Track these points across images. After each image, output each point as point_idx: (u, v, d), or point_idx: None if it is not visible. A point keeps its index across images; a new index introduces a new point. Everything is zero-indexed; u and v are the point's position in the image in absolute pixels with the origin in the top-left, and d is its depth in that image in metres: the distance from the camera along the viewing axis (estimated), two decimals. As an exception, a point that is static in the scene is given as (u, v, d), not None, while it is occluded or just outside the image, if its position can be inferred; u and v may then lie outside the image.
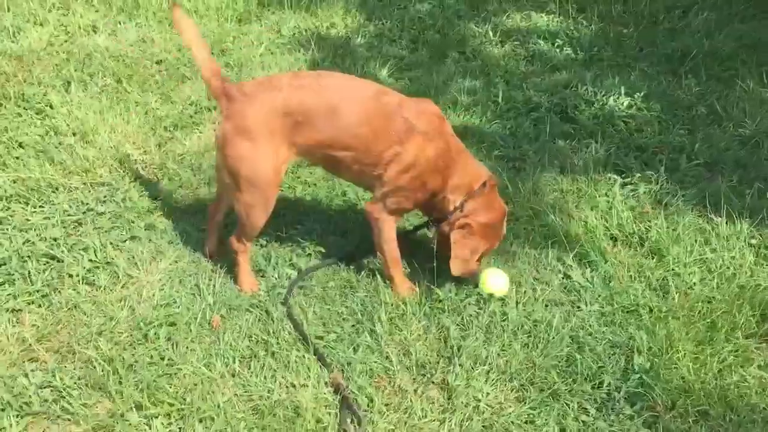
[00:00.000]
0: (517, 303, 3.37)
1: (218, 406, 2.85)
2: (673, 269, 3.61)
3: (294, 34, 6.23)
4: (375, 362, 3.08)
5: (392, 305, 3.33)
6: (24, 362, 3.02)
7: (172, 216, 3.95)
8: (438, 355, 3.14)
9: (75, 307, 3.31)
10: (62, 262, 3.54)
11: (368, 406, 2.90)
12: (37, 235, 3.70)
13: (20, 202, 3.95)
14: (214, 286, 3.46)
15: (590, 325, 3.28)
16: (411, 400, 2.93)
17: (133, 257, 3.63)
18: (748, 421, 2.84)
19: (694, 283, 3.52)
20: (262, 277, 3.55)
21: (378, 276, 3.49)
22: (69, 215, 3.89)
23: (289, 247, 3.74)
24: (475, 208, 3.29)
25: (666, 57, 5.83)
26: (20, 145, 4.44)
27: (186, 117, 4.86)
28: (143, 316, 3.26)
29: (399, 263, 3.40)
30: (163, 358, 3.07)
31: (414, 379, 3.05)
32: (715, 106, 5.06)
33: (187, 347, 3.13)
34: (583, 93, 5.24)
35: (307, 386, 2.97)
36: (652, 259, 3.70)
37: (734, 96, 5.19)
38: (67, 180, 4.16)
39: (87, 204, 3.99)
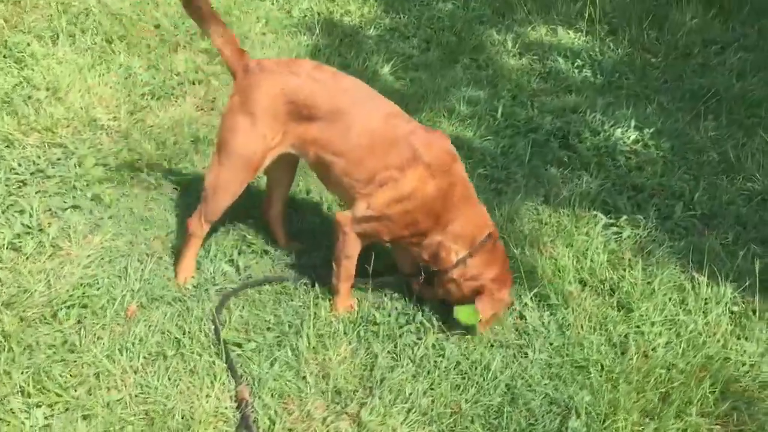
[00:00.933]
0: (459, 338, 3.09)
1: (107, 405, 2.63)
2: (637, 326, 3.30)
3: (305, 16, 5.97)
4: (289, 381, 2.84)
5: (324, 320, 3.07)
6: None
7: (122, 190, 3.74)
8: (359, 384, 2.89)
9: (-9, 272, 3.10)
10: (-8, 222, 3.33)
11: (269, 429, 2.64)
12: (-26, 190, 3.51)
13: (-31, 153, 3.76)
14: (142, 271, 3.24)
15: (531, 376, 3.01)
16: (315, 430, 2.67)
17: (68, 227, 3.42)
18: None
19: (658, 346, 3.21)
20: (197, 269, 3.30)
21: (317, 286, 3.24)
22: (15, 173, 3.72)
23: (233, 241, 3.49)
24: (480, 264, 3.06)
25: (690, 93, 5.47)
26: (-12, 93, 4.25)
27: (167, 87, 4.65)
28: (58, 293, 3.04)
29: (350, 280, 3.19)
30: (65, 343, 2.87)
31: (327, 406, 2.81)
32: (728, 153, 4.70)
33: (95, 334, 2.92)
34: (591, 120, 4.91)
35: (210, 397, 2.73)
36: (619, 311, 3.39)
37: (752, 146, 4.81)
38: (25, 136, 3.98)
39: (37, 164, 3.80)
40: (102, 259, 3.30)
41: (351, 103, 2.97)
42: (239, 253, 3.45)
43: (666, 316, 3.38)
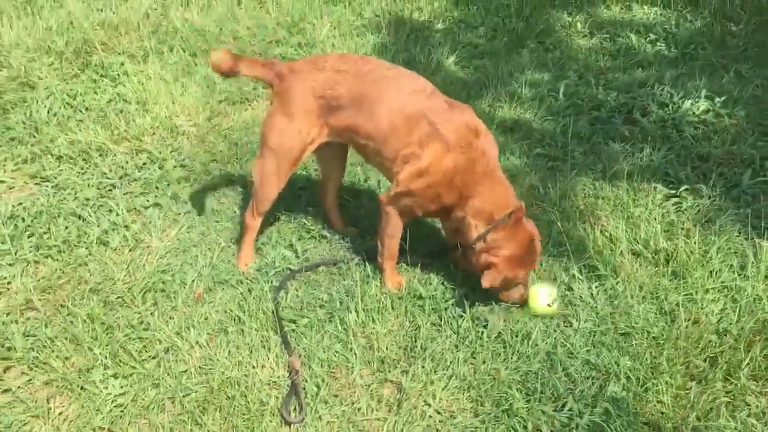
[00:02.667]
0: (503, 310, 3.20)
1: (175, 376, 2.94)
2: (690, 294, 3.26)
3: (376, 16, 6.20)
4: (337, 352, 3.05)
5: (373, 297, 3.26)
6: (23, 310, 3.26)
7: (197, 187, 4.09)
8: (403, 354, 3.05)
9: (83, 264, 3.52)
10: (85, 221, 3.76)
11: (316, 394, 2.86)
12: (72, 193, 3.97)
13: (69, 162, 4.25)
14: (211, 258, 3.55)
15: (572, 344, 3.04)
16: (359, 395, 2.86)
17: (150, 223, 3.80)
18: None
19: (711, 312, 3.16)
20: (258, 253, 3.59)
21: (368, 265, 3.44)
22: (107, 178, 4.15)
23: (293, 228, 3.75)
24: (497, 241, 3.06)
25: (773, 59, 5.23)
26: (87, 109, 4.76)
27: (243, 93, 5.00)
28: (137, 280, 3.40)
29: (394, 258, 3.34)
30: (141, 323, 3.21)
31: (372, 374, 2.97)
32: (810, 117, 4.47)
33: (167, 315, 3.25)
34: (659, 93, 4.82)
35: (265, 367, 2.99)
36: (672, 280, 3.36)
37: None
38: (116, 145, 4.42)
39: (125, 169, 4.23)
40: (177, 249, 3.64)
41: (373, 85, 3.09)
42: (298, 239, 3.69)
43: (722, 283, 3.31)
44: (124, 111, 4.77)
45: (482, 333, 3.11)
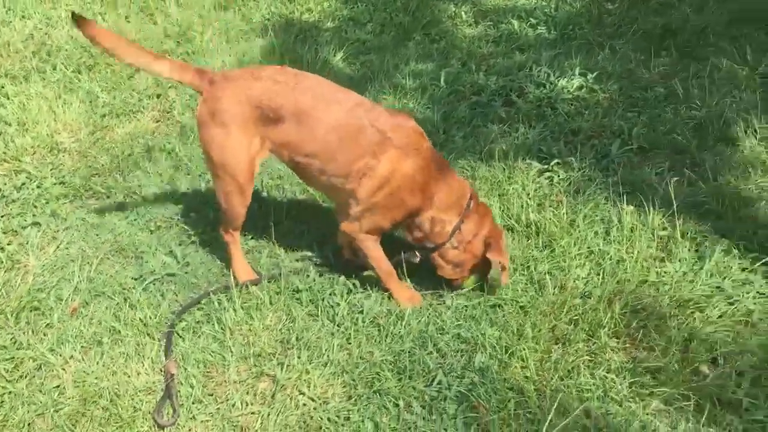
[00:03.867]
0: (379, 295, 3.26)
1: (47, 392, 2.90)
2: (558, 262, 3.38)
3: (267, 19, 6.21)
4: (213, 352, 3.05)
5: (253, 294, 3.29)
6: None
7: (76, 202, 4.04)
8: (281, 346, 3.08)
9: (-44, 290, 3.44)
10: (-42, 246, 3.68)
11: (190, 395, 2.87)
12: (-56, 219, 3.88)
13: (-58, 188, 4.14)
14: (89, 272, 3.52)
15: (444, 320, 3.13)
16: (233, 392, 2.88)
17: (27, 243, 3.74)
18: (579, 428, 2.63)
19: (578, 278, 3.28)
20: (137, 261, 3.57)
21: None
22: (-18, 202, 4.04)
23: (175, 233, 3.75)
24: (474, 226, 3.17)
25: (644, 33, 5.46)
26: (-36, 135, 4.64)
27: (127, 105, 4.96)
28: (11, 300, 3.34)
29: (393, 273, 3.25)
30: (14, 342, 3.15)
31: (248, 369, 2.99)
32: (676, 86, 4.68)
33: (42, 332, 3.20)
34: (536, 75, 4.97)
35: (140, 374, 2.98)
36: (543, 251, 3.48)
37: (703, 75, 4.78)
38: (-6, 168, 4.32)
39: (2, 191, 4.13)
40: (54, 266, 3.60)
41: (313, 101, 2.98)
42: (179, 244, 3.68)
43: (588, 248, 3.44)
44: (2, 133, 4.66)
45: (357, 319, 3.16)
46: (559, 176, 3.99)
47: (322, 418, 2.77)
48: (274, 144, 3.11)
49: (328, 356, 3.01)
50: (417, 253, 3.29)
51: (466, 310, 3.20)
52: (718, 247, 3.35)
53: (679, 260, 3.37)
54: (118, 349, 3.09)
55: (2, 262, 3.62)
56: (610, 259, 3.37)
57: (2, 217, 3.98)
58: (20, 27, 6.11)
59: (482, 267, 3.22)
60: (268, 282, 3.35)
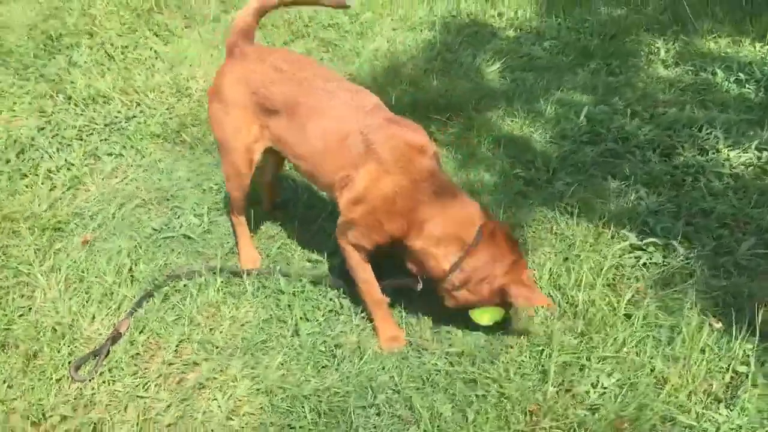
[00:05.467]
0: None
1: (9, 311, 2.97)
2: (580, 357, 2.72)
3: (442, 16, 5.89)
4: (168, 325, 2.91)
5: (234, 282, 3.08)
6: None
7: (165, 145, 4.19)
8: (232, 342, 2.85)
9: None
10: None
11: (118, 361, 2.75)
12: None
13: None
14: (123, 212, 3.59)
15: (403, 374, 2.65)
16: (157, 372, 2.71)
17: (101, 170, 3.95)
18: None
19: (598, 384, 2.62)
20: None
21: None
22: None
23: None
24: (486, 262, 2.59)
25: None
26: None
27: None
28: (49, 215, 3.50)
29: (381, 303, 2.81)
30: (20, 255, 3.27)
31: (188, 356, 2.81)
32: None
33: (51, 251, 3.29)
34: (703, 136, 4.10)
35: (94, 322, 2.93)
36: (575, 337, 2.82)
37: None
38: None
39: (116, 117, 4.43)
40: (103, 197, 3.71)
41: (306, 96, 2.68)
42: (215, 210, 3.58)
43: (629, 354, 2.73)
44: (151, 67, 4.95)
45: (317, 341, 2.80)
46: (651, 259, 3.21)
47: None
48: (273, 136, 2.83)
49: (264, 369, 2.69)
50: (420, 279, 2.80)
51: (436, 374, 2.67)
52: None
53: (740, 410, 2.51)
54: (93, 291, 3.04)
55: (71, 180, 3.77)
56: (651, 377, 2.61)
57: (102, 140, 4.16)
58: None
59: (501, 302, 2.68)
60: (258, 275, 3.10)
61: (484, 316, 2.73)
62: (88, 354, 2.74)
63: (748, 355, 2.71)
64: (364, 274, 2.80)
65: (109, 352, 2.76)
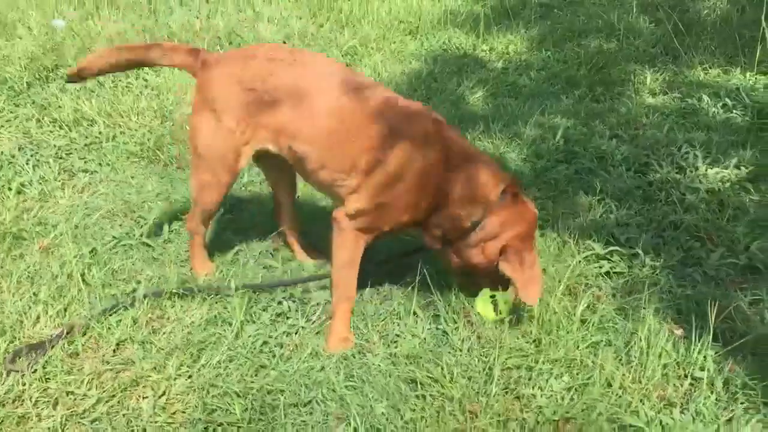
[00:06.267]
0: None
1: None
2: (532, 363, 2.61)
3: (429, 49, 5.95)
4: (111, 325, 2.85)
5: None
6: None
7: (140, 163, 4.23)
8: (178, 343, 2.79)
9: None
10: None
11: (55, 358, 2.69)
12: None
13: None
14: (87, 222, 3.57)
15: (341, 373, 2.56)
16: (91, 371, 2.65)
17: (73, 185, 3.97)
18: None
19: (548, 387, 2.50)
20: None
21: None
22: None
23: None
24: (500, 224, 2.63)
25: None
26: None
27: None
28: (10, 223, 3.50)
29: (351, 300, 2.75)
30: (-19, 259, 3.27)
31: (127, 356, 2.74)
32: None
33: (10, 258, 3.28)
34: (681, 155, 4.02)
35: (39, 322, 2.88)
36: (529, 341, 2.71)
37: None
38: None
39: (97, 138, 4.48)
40: (71, 209, 3.71)
41: (313, 79, 2.66)
42: (179, 221, 3.56)
43: (584, 360, 2.61)
44: (140, 95, 5.02)
45: (259, 340, 2.73)
46: (615, 269, 3.10)
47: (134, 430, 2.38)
48: (270, 131, 2.76)
49: (201, 369, 2.62)
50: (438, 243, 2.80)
51: (377, 374, 2.57)
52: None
53: (695, 415, 2.36)
54: (41, 293, 3.00)
55: (41, 194, 3.79)
56: (602, 380, 2.48)
57: (79, 158, 4.20)
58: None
59: (499, 281, 2.69)
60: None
61: (488, 309, 2.76)
62: (28, 347, 2.68)
63: (707, 363, 2.55)
64: (354, 256, 2.69)
65: (49, 348, 2.69)
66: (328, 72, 2.74)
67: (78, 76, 3.02)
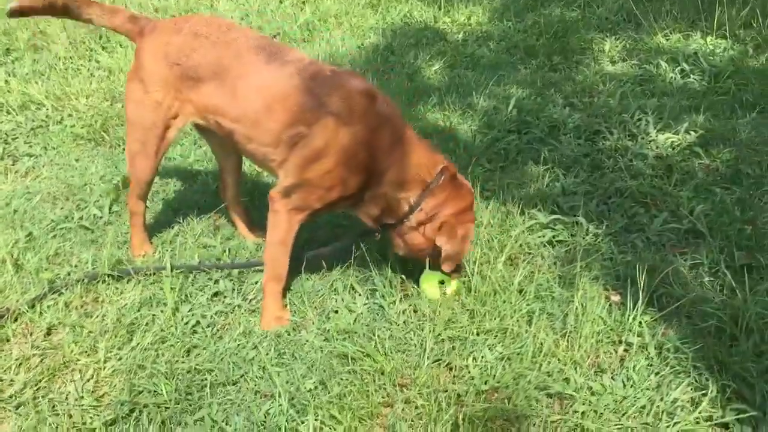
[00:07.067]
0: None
1: None
2: (466, 335, 2.58)
3: (391, 22, 5.86)
4: (44, 309, 2.80)
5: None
6: None
7: (85, 146, 4.16)
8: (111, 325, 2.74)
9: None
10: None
11: None
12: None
13: None
14: (26, 206, 3.51)
15: (271, 351, 2.53)
16: (18, 351, 2.60)
17: (15, 169, 3.90)
18: None
19: (481, 358, 2.47)
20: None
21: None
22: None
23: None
24: (439, 203, 2.61)
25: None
26: None
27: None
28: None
29: (282, 279, 2.70)
30: None
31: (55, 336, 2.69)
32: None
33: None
34: (633, 122, 3.97)
35: None
36: (464, 314, 2.68)
37: None
38: None
39: (45, 121, 4.44)
40: (13, 194, 3.63)
41: (237, 57, 2.59)
42: (120, 203, 3.49)
43: (517, 330, 2.57)
44: (93, 76, 4.97)
45: (191, 320, 2.69)
46: (557, 237, 3.07)
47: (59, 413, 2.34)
48: (198, 108, 2.72)
49: (131, 351, 2.57)
50: (377, 227, 2.77)
51: (309, 350, 2.53)
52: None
53: (625, 380, 2.34)
54: (-24, 279, 2.95)
55: (-18, 178, 3.73)
56: (534, 349, 2.46)
57: (24, 143, 4.12)
58: None
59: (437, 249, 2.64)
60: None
61: (434, 290, 2.73)
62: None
63: (642, 329, 2.52)
64: (288, 239, 2.65)
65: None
66: (252, 47, 2.64)
67: (19, 12, 2.84)
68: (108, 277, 2.88)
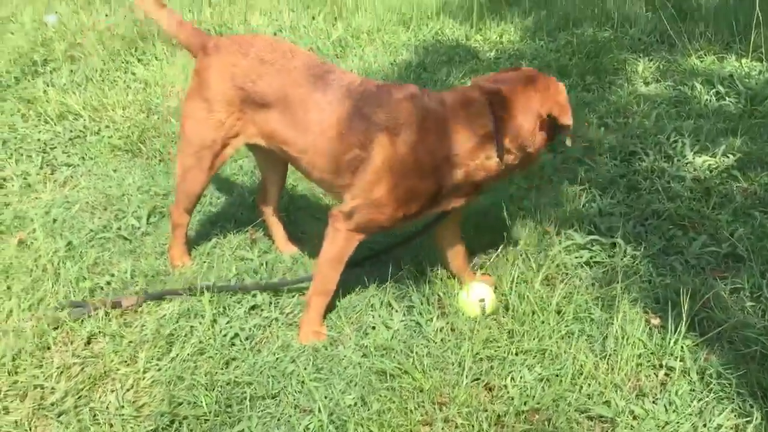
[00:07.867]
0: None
1: None
2: (505, 355, 2.57)
3: (422, 40, 5.90)
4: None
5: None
6: None
7: (123, 157, 4.21)
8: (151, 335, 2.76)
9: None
10: None
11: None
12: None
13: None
14: (65, 215, 3.56)
15: (310, 366, 2.53)
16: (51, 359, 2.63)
17: (54, 179, 3.97)
18: None
19: (521, 379, 2.46)
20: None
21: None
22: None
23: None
24: (516, 119, 2.54)
25: None
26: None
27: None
28: (-9, 218, 3.50)
29: (328, 294, 2.71)
30: None
31: (97, 348, 2.72)
32: None
33: (-14, 252, 3.27)
34: (668, 143, 3.95)
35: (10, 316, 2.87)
36: (503, 333, 2.67)
37: None
38: None
39: (83, 132, 4.52)
40: (52, 203, 3.69)
41: (298, 86, 2.60)
42: (158, 213, 3.53)
43: (556, 350, 2.56)
44: (131, 88, 5.03)
45: (230, 332, 2.70)
46: (595, 258, 3.05)
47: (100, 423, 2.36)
48: (262, 131, 2.75)
49: (170, 362, 2.59)
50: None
51: (348, 366, 2.54)
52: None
53: (667, 405, 2.32)
54: (14, 287, 2.99)
55: (22, 188, 3.78)
56: (574, 370, 2.44)
57: (63, 153, 4.19)
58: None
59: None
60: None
61: (471, 308, 2.73)
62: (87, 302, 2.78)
63: (684, 353, 2.50)
64: (341, 255, 2.64)
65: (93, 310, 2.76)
66: (309, 75, 2.64)
67: None
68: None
